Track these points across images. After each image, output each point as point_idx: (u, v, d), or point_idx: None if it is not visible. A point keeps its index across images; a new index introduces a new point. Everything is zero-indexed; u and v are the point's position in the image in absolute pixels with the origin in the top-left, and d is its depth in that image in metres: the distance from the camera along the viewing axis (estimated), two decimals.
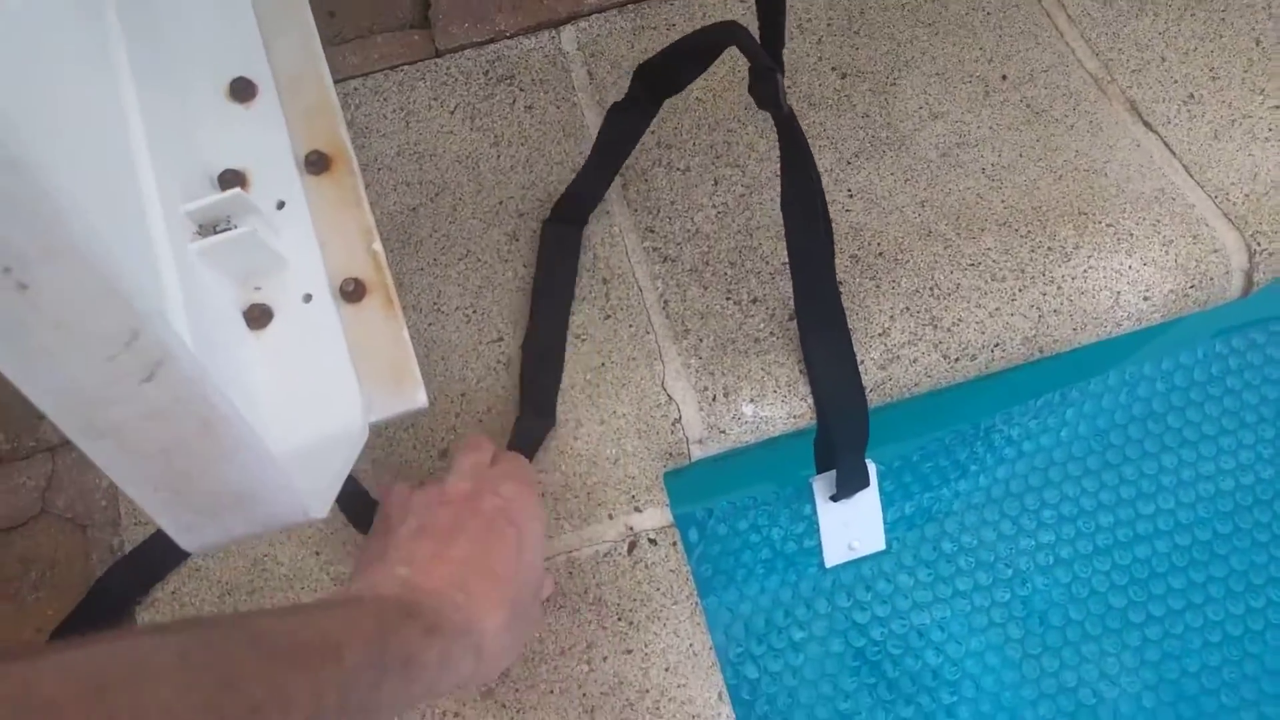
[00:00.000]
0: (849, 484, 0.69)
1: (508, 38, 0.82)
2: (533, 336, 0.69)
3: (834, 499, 0.70)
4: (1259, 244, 0.72)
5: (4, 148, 0.26)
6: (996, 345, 0.70)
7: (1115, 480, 0.86)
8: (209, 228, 0.56)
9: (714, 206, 0.75)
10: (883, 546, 0.76)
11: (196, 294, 0.51)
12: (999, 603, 0.80)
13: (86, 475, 0.66)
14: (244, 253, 0.55)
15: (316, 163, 0.65)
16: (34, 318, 0.29)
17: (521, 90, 0.80)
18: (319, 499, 0.46)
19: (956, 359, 0.69)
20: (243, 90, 0.67)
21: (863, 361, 0.68)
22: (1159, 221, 0.72)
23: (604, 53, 0.81)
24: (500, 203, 0.76)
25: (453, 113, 0.79)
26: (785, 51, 0.69)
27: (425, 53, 0.82)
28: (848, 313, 0.67)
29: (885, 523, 0.75)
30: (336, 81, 0.67)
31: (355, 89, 0.80)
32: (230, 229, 0.56)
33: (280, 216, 0.63)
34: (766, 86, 0.55)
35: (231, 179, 0.63)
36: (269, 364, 0.57)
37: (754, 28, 0.59)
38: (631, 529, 0.65)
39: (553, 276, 0.71)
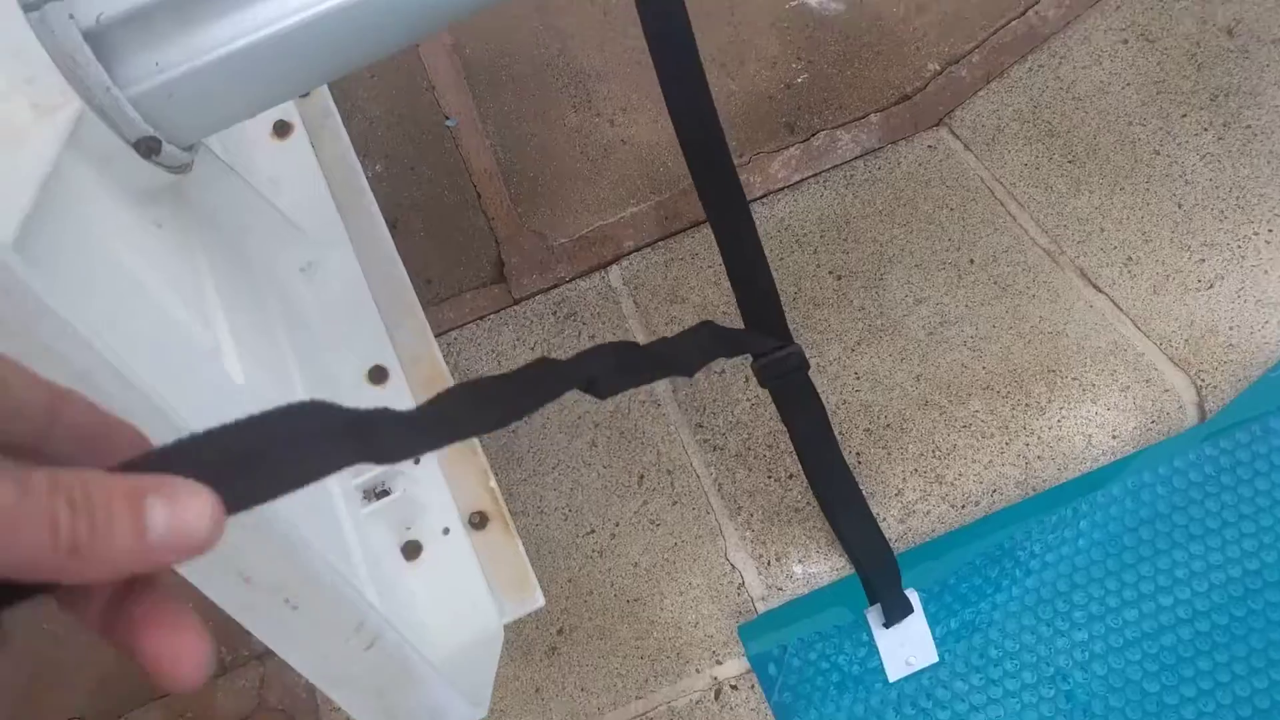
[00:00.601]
0: (895, 613, 0.83)
1: (567, 282, 1.03)
2: None
3: (886, 625, 0.85)
4: (1203, 380, 0.87)
5: (275, 526, 0.45)
6: (994, 491, 0.85)
7: (1134, 578, 0.99)
8: (371, 492, 0.76)
9: (748, 399, 0.93)
10: (935, 659, 0.90)
11: (370, 545, 0.70)
12: (1045, 698, 0.93)
13: (289, 674, 0.84)
14: (400, 508, 0.74)
15: None
16: (298, 621, 0.47)
17: (584, 324, 1.00)
18: (479, 697, 0.63)
19: (962, 506, 0.85)
20: (378, 375, 0.88)
21: (884, 519, 0.84)
22: (1115, 371, 0.88)
23: (644, 284, 1.01)
24: (579, 418, 0.94)
25: (533, 349, 0.99)
26: (790, 262, 0.88)
27: (505, 302, 1.03)
28: (866, 479, 0.83)
29: (935, 638, 0.89)
30: (438, 335, 0.87)
31: (454, 339, 1.01)
32: (385, 489, 0.76)
33: (418, 470, 0.83)
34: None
35: None
36: (423, 588, 0.75)
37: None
38: (716, 679, 0.80)
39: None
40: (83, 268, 0.52)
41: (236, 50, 0.57)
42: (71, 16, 0.54)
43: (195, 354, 0.62)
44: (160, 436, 0.34)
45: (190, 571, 0.39)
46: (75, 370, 0.37)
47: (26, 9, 0.53)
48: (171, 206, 0.67)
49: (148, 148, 0.59)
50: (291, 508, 0.46)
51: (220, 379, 0.63)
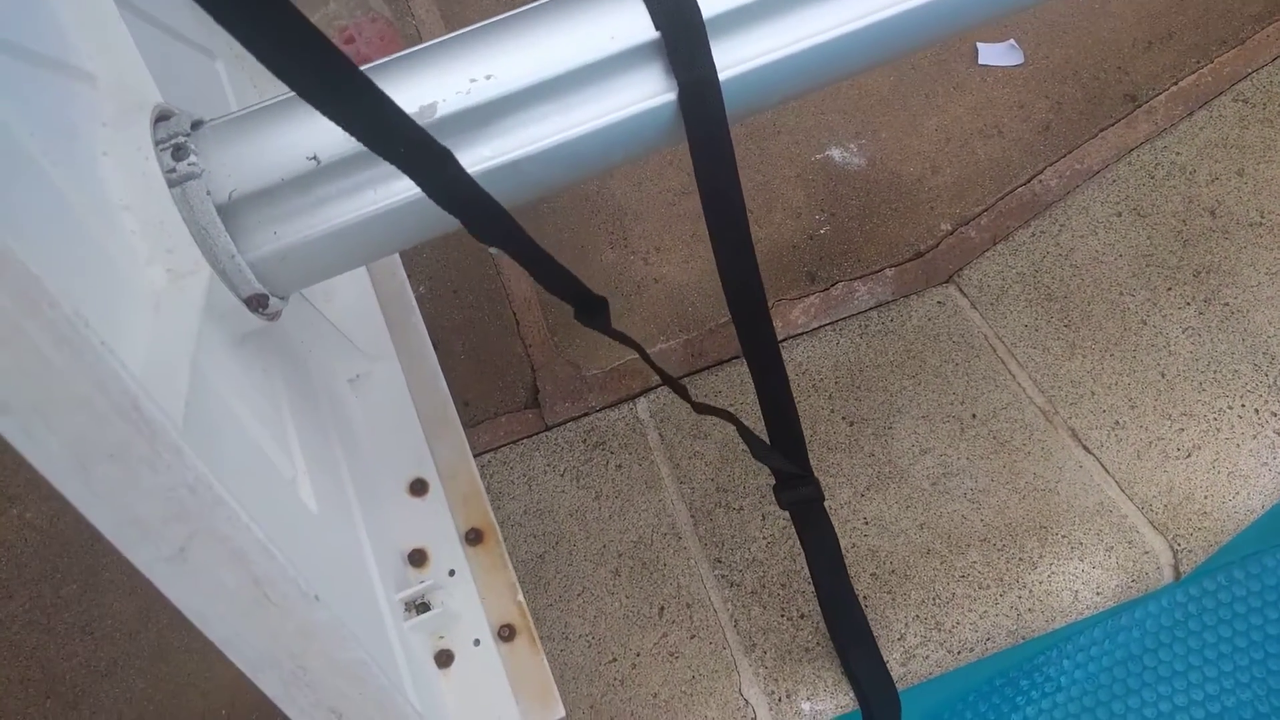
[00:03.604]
0: None
1: (598, 411, 1.10)
2: None
3: None
4: (1179, 544, 0.96)
5: (349, 653, 0.51)
6: (988, 640, 0.93)
7: (1123, 709, 1.07)
8: (412, 605, 0.83)
9: (764, 538, 1.00)
10: None
11: (410, 654, 0.77)
12: None
13: None
14: (437, 620, 0.81)
15: (474, 538, 0.93)
16: None
17: (612, 453, 1.07)
18: None
19: (959, 653, 0.92)
20: (419, 487, 0.95)
21: (888, 660, 0.91)
22: (1101, 532, 0.97)
23: (669, 418, 1.09)
24: (604, 546, 1.01)
25: (562, 475, 1.06)
26: (806, 406, 0.96)
27: (538, 427, 1.10)
28: (871, 623, 0.91)
29: None
30: (475, 455, 0.94)
31: (489, 461, 1.08)
32: (426, 603, 0.83)
33: (452, 582, 0.90)
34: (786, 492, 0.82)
35: (418, 557, 0.90)
36: (454, 695, 0.82)
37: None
38: None
39: None
40: (214, 427, 0.59)
41: (347, 224, 0.65)
42: (209, 193, 0.62)
43: (283, 487, 0.69)
44: (265, 574, 0.42)
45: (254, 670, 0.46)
46: (232, 549, 0.44)
47: (171, 185, 0.61)
48: (257, 343, 0.75)
49: (258, 303, 0.67)
50: (353, 623, 0.52)
51: (299, 509, 0.70)
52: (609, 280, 1.17)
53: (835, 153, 1.23)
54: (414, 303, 1.04)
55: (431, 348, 0.99)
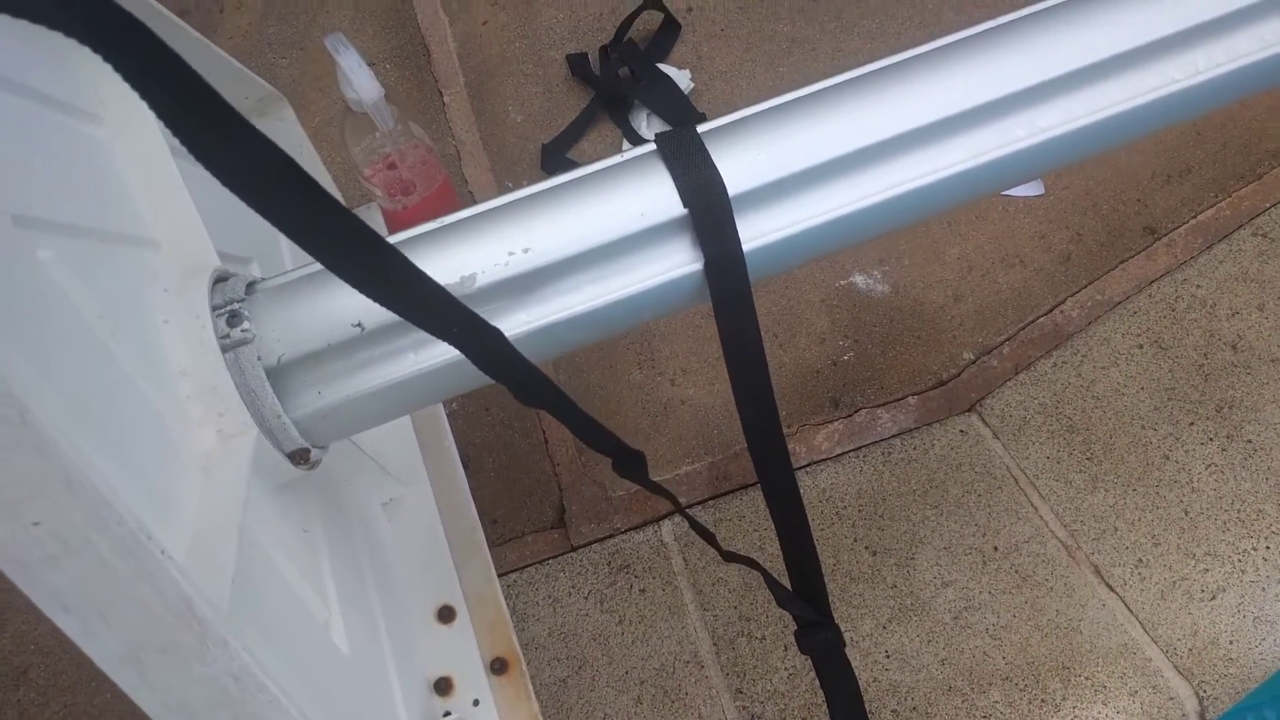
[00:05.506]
0: None
1: (622, 533, 1.12)
2: None
3: None
4: (1205, 691, 0.95)
5: None
6: None
7: None
8: None
9: (786, 669, 1.01)
10: None
11: None
12: None
13: None
14: None
15: (498, 667, 0.94)
16: None
17: (636, 577, 1.09)
18: None
19: None
20: (446, 614, 0.97)
21: None
22: (1125, 675, 0.96)
23: (693, 542, 1.11)
24: (627, 672, 1.02)
25: (586, 598, 1.08)
26: (829, 534, 0.96)
27: (563, 548, 1.12)
28: None
29: None
30: (500, 575, 0.95)
31: (514, 581, 1.10)
32: None
33: (476, 712, 0.91)
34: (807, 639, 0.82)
35: (443, 685, 0.91)
36: None
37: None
38: None
39: None
40: (258, 592, 0.62)
41: (389, 383, 0.68)
42: (259, 358, 0.65)
43: (316, 633, 0.71)
44: None
45: None
46: (247, 711, 0.47)
47: (224, 350, 0.64)
48: (297, 486, 0.77)
49: (300, 457, 0.70)
50: None
51: (331, 653, 0.72)
52: (636, 400, 1.20)
53: (859, 279, 1.27)
54: (447, 426, 1.07)
55: (463, 471, 1.02)
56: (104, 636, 0.42)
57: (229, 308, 0.66)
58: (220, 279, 0.69)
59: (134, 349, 0.59)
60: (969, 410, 1.17)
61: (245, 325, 0.65)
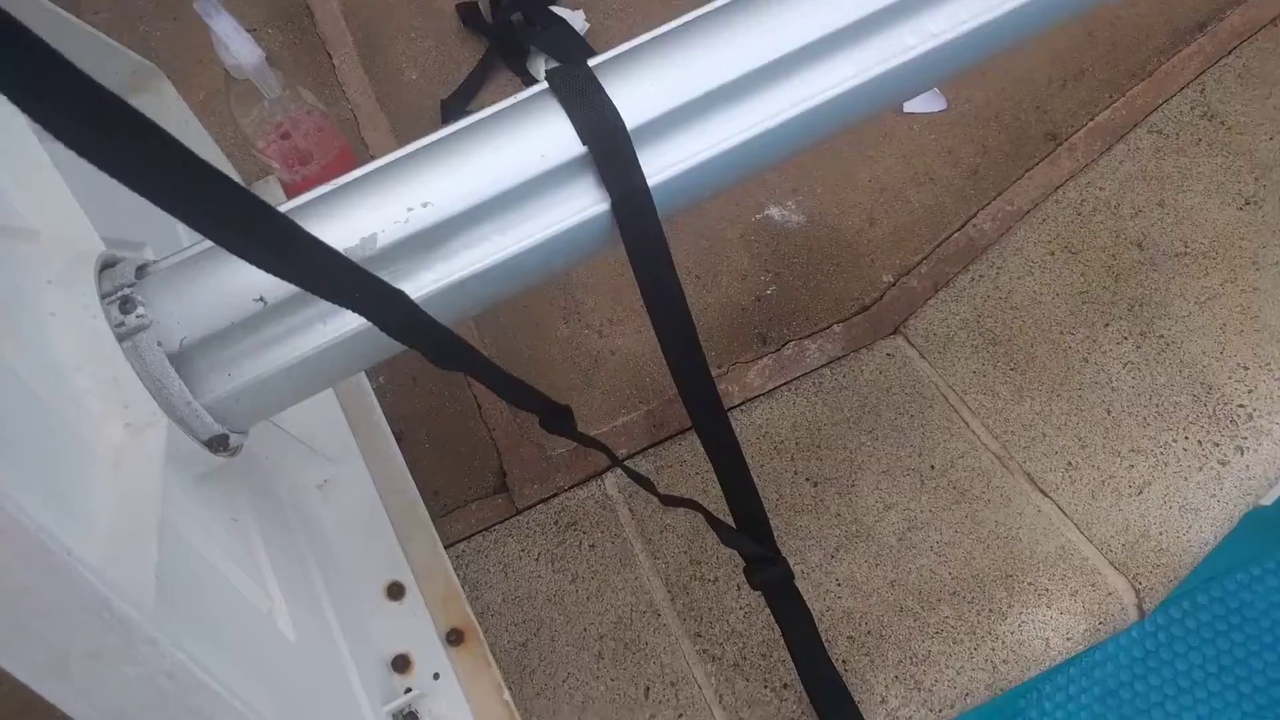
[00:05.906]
0: None
1: (566, 490, 1.11)
2: None
3: None
4: (1140, 583, 0.99)
5: None
6: (967, 695, 0.94)
7: None
8: (400, 715, 0.82)
9: (741, 608, 1.01)
10: None
11: None
12: None
13: None
14: None
15: (455, 639, 0.92)
16: None
17: (584, 533, 1.08)
18: None
19: (940, 710, 0.94)
20: (395, 591, 0.94)
21: None
22: (1065, 576, 0.99)
23: (638, 492, 1.10)
24: (585, 629, 1.01)
25: (537, 560, 1.06)
26: (770, 469, 0.97)
27: (508, 512, 1.10)
28: (853, 687, 0.92)
29: None
30: (447, 546, 0.93)
31: (463, 550, 1.08)
32: (413, 712, 0.82)
33: (438, 686, 0.89)
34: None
35: (401, 663, 0.89)
36: None
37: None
38: None
39: None
40: (187, 584, 0.59)
41: (300, 358, 0.65)
42: (159, 344, 0.61)
43: (260, 623, 0.68)
44: None
45: None
46: (187, 708, 0.45)
47: (121, 339, 0.60)
48: (221, 475, 0.74)
49: (218, 444, 0.66)
50: None
51: (278, 642, 0.69)
52: (566, 356, 1.18)
53: (774, 211, 1.26)
54: (374, 399, 1.04)
55: (396, 445, 0.99)
56: (22, 649, 0.39)
57: (120, 294, 0.61)
58: (108, 265, 0.65)
59: (18, 346, 0.54)
60: (894, 333, 1.18)
61: (140, 311, 0.61)
